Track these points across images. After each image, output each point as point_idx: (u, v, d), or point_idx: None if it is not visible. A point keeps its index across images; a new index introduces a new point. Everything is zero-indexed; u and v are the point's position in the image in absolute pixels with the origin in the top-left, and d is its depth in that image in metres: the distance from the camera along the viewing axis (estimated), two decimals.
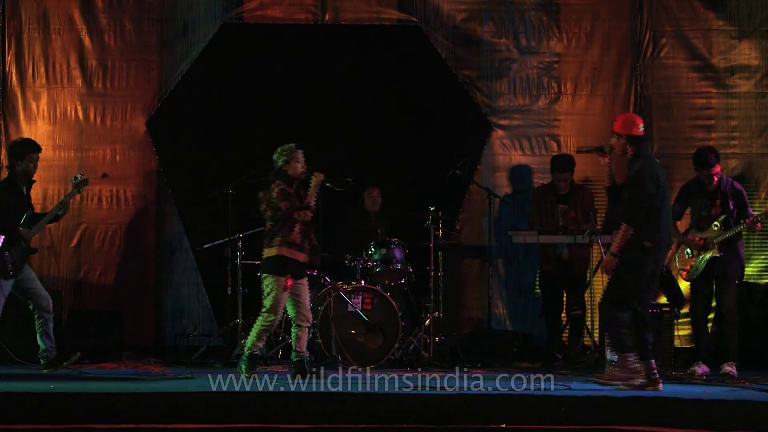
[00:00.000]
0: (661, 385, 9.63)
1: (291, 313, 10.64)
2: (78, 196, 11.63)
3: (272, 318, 10.46)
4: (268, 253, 10.53)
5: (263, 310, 10.49)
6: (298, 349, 10.60)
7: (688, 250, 11.41)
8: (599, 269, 10.25)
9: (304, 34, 13.20)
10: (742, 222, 11.14)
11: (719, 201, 11.27)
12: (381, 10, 13.18)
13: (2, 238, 10.93)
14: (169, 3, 13.13)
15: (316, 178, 10.62)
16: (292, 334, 10.70)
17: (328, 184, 10.78)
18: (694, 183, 11.46)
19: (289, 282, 10.44)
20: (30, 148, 11.23)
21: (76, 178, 11.42)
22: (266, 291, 10.48)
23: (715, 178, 11.24)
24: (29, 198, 11.34)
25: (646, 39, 13.03)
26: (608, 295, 9.87)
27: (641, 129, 9.92)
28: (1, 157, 12.97)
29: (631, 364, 9.71)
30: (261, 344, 10.62)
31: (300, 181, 10.65)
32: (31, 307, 11.23)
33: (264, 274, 10.55)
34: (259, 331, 10.49)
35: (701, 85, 13.02)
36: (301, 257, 10.56)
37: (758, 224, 11.17)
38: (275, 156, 10.64)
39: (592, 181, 12.82)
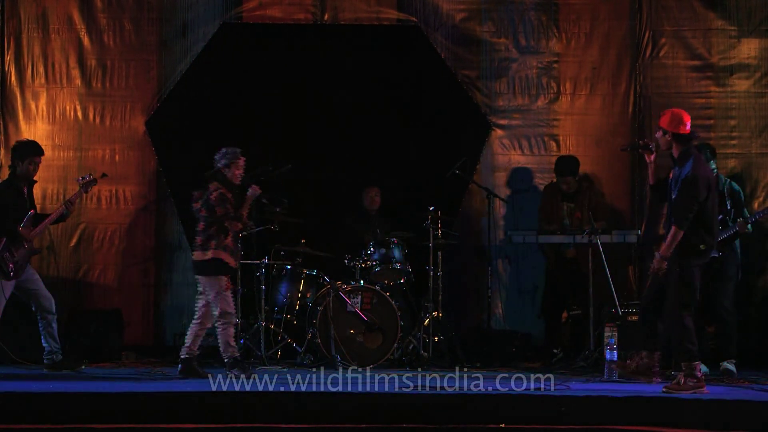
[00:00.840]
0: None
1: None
2: (82, 197, 11.67)
3: (229, 319, 10.60)
4: (202, 256, 10.64)
5: (217, 315, 10.59)
6: (192, 345, 10.74)
7: None
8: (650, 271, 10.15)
9: (304, 33, 13.18)
10: (737, 221, 11.17)
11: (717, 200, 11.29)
12: (380, 10, 13.16)
13: (4, 240, 10.95)
14: (168, 3, 13.10)
15: (252, 192, 10.70)
16: (189, 331, 10.78)
17: (264, 200, 10.83)
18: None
19: (229, 283, 10.64)
20: (32, 151, 11.25)
21: (83, 177, 11.45)
22: (210, 295, 10.60)
23: None
24: (31, 198, 11.36)
25: (646, 39, 13.01)
26: (675, 302, 9.80)
27: (688, 127, 9.91)
28: (1, 156, 12.96)
29: (699, 372, 9.72)
30: (234, 344, 10.69)
31: (236, 187, 10.73)
32: (33, 308, 11.24)
33: (202, 277, 10.65)
34: (226, 336, 10.59)
35: (700, 84, 12.98)
36: (233, 262, 10.74)
37: (749, 224, 11.23)
38: (217, 156, 10.73)
39: (598, 179, 12.85)
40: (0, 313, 10.99)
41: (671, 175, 9.99)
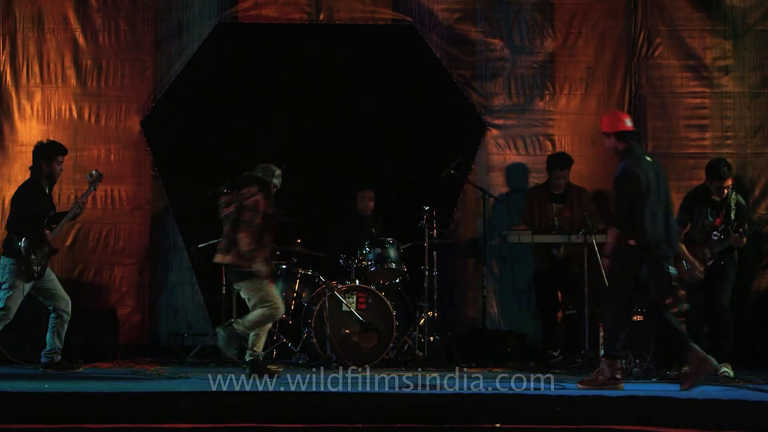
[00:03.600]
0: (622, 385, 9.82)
1: None
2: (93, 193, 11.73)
3: None
4: None
5: None
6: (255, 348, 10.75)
7: (684, 263, 11.46)
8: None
9: (299, 33, 13.18)
10: (731, 236, 11.18)
11: (723, 212, 11.31)
12: (376, 10, 13.16)
13: (25, 242, 10.97)
14: (163, 3, 13.09)
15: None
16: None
17: None
18: (701, 190, 11.47)
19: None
20: (59, 150, 11.30)
21: (91, 175, 11.50)
22: None
23: (726, 191, 11.28)
24: (51, 198, 11.38)
25: (641, 39, 13.03)
26: (606, 297, 10.09)
27: (628, 123, 10.00)
28: None
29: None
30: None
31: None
32: (50, 306, 11.24)
33: None
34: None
35: (695, 84, 13.02)
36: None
37: (744, 239, 11.24)
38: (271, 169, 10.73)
39: (588, 181, 12.86)
40: (13, 313, 11.05)
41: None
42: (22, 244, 10.93)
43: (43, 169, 11.20)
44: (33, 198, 11.17)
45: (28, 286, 11.05)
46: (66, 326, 11.27)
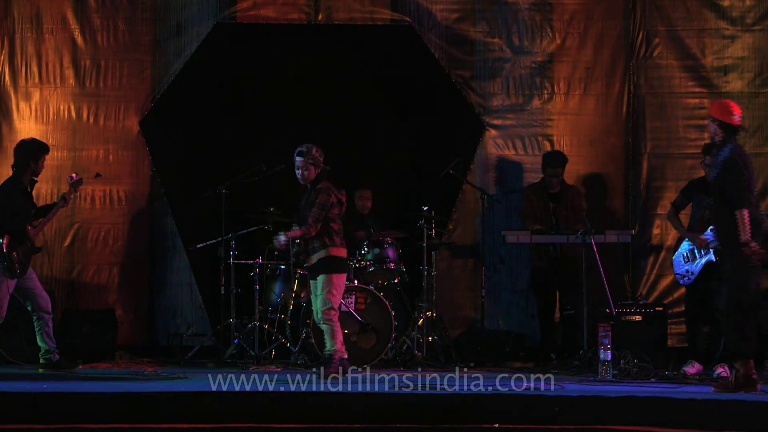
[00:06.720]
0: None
1: None
2: (73, 195, 11.68)
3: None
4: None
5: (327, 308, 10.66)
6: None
7: (685, 254, 11.44)
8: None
9: (298, 33, 13.18)
10: None
11: None
12: (374, 10, 13.15)
13: (6, 239, 10.97)
14: (162, 3, 13.08)
15: None
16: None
17: None
18: (702, 180, 11.48)
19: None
20: (42, 148, 11.36)
21: (71, 177, 11.56)
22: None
23: None
24: (32, 196, 11.39)
25: (639, 39, 13.04)
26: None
27: (736, 119, 9.91)
28: None
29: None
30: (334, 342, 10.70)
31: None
32: (29, 308, 11.24)
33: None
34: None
35: (694, 84, 13.02)
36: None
37: None
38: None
39: (586, 181, 12.87)
40: (5, 311, 11.03)
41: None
42: (4, 241, 10.95)
43: (30, 166, 11.23)
44: (15, 196, 11.18)
45: (13, 285, 11.06)
46: (51, 324, 11.31)
